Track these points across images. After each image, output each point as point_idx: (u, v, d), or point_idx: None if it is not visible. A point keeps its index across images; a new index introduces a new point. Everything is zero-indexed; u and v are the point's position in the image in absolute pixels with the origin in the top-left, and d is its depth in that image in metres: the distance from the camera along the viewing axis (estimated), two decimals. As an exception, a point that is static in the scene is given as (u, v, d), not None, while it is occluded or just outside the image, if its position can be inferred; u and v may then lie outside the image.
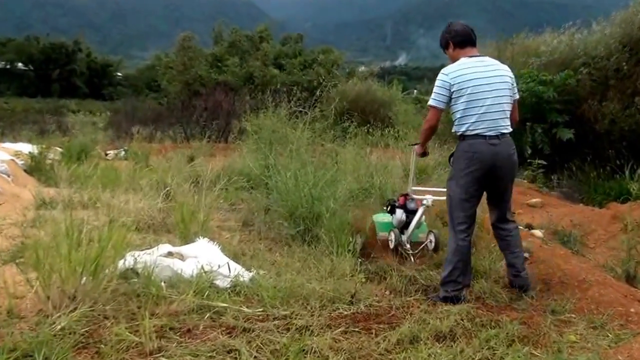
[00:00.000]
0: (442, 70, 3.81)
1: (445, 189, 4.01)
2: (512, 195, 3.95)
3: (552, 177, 9.17)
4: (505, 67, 3.91)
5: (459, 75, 3.71)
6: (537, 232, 5.56)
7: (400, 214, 4.60)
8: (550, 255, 4.40)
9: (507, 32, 13.05)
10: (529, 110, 9.42)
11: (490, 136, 3.65)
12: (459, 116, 3.72)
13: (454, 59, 3.86)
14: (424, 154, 4.33)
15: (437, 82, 3.78)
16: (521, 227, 5.82)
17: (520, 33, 12.32)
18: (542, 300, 3.66)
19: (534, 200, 7.40)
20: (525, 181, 8.91)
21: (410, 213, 4.57)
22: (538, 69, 10.06)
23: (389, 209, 4.80)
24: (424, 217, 4.61)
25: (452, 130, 3.86)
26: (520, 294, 3.75)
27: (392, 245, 4.57)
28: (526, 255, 4.37)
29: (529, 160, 8.93)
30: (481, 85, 3.69)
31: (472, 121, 3.66)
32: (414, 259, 4.47)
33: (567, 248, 5.01)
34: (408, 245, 4.53)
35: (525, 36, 12.10)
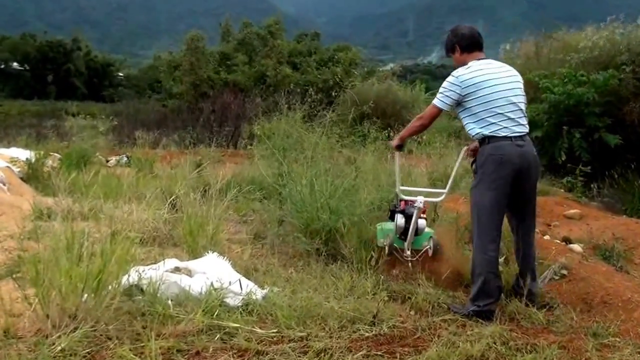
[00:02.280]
0: (453, 73, 3.93)
1: (435, 189, 4.10)
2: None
3: (592, 185, 9.07)
4: (514, 69, 4.05)
5: (471, 78, 3.84)
6: (576, 247, 5.51)
7: (400, 219, 4.62)
8: (591, 273, 4.37)
9: (540, 26, 12.98)
10: (566, 113, 9.36)
11: (515, 137, 3.78)
12: (477, 119, 3.83)
13: (460, 64, 4.00)
14: (400, 147, 4.42)
15: (446, 84, 3.91)
16: (557, 241, 5.79)
17: (558, 28, 12.24)
18: (582, 322, 3.62)
19: (572, 211, 7.33)
20: (562, 190, 8.83)
21: (410, 218, 4.60)
22: (576, 68, 9.98)
23: (389, 215, 4.82)
24: (424, 223, 4.64)
25: (473, 135, 3.93)
26: (550, 312, 3.75)
27: (387, 252, 4.59)
28: (564, 272, 4.34)
29: (569, 166, 8.84)
30: (497, 86, 3.84)
31: (494, 122, 3.78)
32: (411, 266, 4.50)
33: (609, 264, 4.97)
34: (408, 252, 4.55)
35: (565, 31, 12.02)
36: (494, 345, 3.12)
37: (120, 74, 58.76)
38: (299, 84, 18.85)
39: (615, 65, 9.77)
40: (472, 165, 4.05)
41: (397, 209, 4.71)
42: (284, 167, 6.44)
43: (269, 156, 7.48)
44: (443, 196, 4.78)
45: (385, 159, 7.60)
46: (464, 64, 3.97)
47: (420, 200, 4.53)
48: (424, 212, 4.67)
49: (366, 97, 15.61)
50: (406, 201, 4.70)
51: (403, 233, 4.60)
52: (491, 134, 3.79)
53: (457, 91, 3.86)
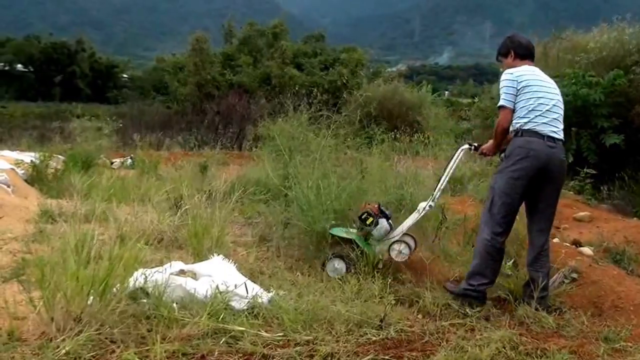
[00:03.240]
0: (507, 71, 4.15)
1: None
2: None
3: (602, 187, 9.02)
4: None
5: (523, 74, 4.07)
6: (587, 250, 5.48)
7: (384, 223, 4.70)
8: (602, 276, 4.34)
9: (548, 26, 12.96)
10: (574, 114, 9.32)
11: (548, 137, 3.95)
12: (523, 111, 4.00)
13: (509, 68, 4.20)
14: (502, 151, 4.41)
15: (503, 83, 4.11)
16: (567, 244, 5.76)
17: (567, 28, 12.20)
18: (593, 326, 3.60)
19: (582, 213, 7.29)
20: (571, 192, 8.80)
21: (389, 219, 4.73)
22: (585, 69, 9.94)
23: (369, 221, 4.74)
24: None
25: (511, 129, 4.08)
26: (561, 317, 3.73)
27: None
28: (574, 275, 4.32)
29: (576, 169, 8.82)
30: (544, 87, 4.08)
31: (533, 117, 3.97)
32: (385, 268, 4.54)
33: (620, 268, 4.93)
34: (387, 255, 4.60)
35: (573, 32, 11.98)
36: (503, 349, 3.11)
37: (125, 76, 58.96)
38: (305, 85, 18.86)
39: (625, 67, 9.73)
40: (500, 155, 4.21)
41: (373, 214, 4.73)
42: (290, 168, 6.43)
43: (275, 158, 7.48)
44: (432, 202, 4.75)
45: (392, 161, 7.59)
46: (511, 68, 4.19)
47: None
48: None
49: (372, 99, 15.64)
50: (377, 204, 4.82)
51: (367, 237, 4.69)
52: (527, 127, 3.96)
53: (515, 86, 4.05)
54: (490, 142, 4.37)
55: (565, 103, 9.30)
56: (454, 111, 20.26)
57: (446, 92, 34.87)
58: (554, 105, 4.06)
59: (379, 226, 4.69)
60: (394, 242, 4.65)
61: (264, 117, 9.75)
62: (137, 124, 17.57)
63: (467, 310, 3.80)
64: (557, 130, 4.02)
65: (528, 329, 3.55)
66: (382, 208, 4.82)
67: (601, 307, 3.89)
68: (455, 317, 3.71)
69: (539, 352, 3.12)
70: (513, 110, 4.06)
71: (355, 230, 4.77)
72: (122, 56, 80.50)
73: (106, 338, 2.93)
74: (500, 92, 4.12)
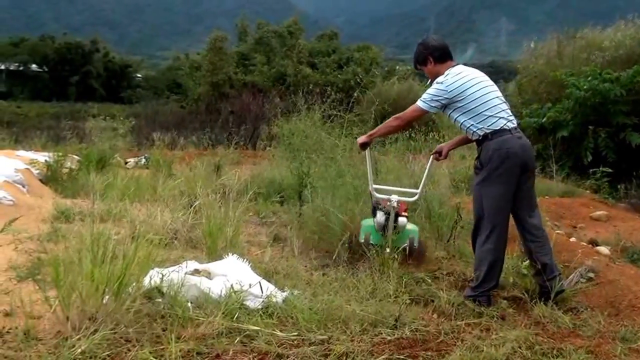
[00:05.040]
0: (438, 80, 4.09)
1: (409, 189, 4.70)
2: None
3: (619, 186, 8.95)
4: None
5: (456, 80, 4.01)
6: (603, 249, 5.45)
7: (380, 216, 4.64)
8: (619, 275, 4.32)
9: (567, 24, 12.86)
10: (592, 112, 9.25)
11: (514, 129, 3.96)
12: (473, 115, 3.99)
13: (433, 75, 4.19)
14: (365, 145, 4.49)
15: (433, 90, 4.08)
16: (584, 243, 5.73)
17: (582, 27, 12.12)
18: (610, 326, 3.58)
19: (599, 212, 7.25)
20: (588, 191, 8.74)
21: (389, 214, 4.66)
22: (602, 67, 9.87)
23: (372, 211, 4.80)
24: (405, 221, 4.67)
25: (472, 133, 4.06)
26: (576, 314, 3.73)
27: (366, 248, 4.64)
28: (591, 275, 4.30)
29: (591, 170, 8.76)
30: (482, 83, 4.06)
31: (491, 115, 3.96)
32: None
33: (638, 267, 4.90)
34: (388, 250, 4.53)
35: (589, 30, 11.89)
36: (519, 349, 3.09)
37: (139, 75, 59.23)
38: (319, 84, 18.86)
39: (643, 63, 9.64)
40: (475, 164, 4.13)
41: (379, 206, 4.71)
42: (304, 167, 6.45)
43: (289, 157, 7.50)
44: (417, 197, 4.82)
45: (407, 160, 7.57)
46: (437, 74, 4.16)
47: (394, 199, 4.56)
48: (405, 210, 4.72)
49: (386, 97, 15.57)
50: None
51: (383, 229, 4.64)
52: (493, 128, 3.93)
53: (445, 96, 4.02)
54: (373, 130, 4.44)
55: (583, 100, 9.30)
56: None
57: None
58: (498, 96, 4.07)
59: (375, 218, 4.68)
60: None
61: (277, 116, 9.76)
62: (151, 124, 17.68)
63: (483, 309, 3.79)
64: (513, 118, 4.06)
65: (544, 329, 3.53)
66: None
67: (618, 307, 3.87)
68: (470, 317, 3.69)
69: (555, 351, 3.10)
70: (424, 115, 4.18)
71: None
72: (136, 56, 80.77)
73: (121, 337, 2.95)
74: (426, 95, 4.11)
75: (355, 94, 9.29)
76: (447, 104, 4.06)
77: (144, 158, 12.17)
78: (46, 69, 55.67)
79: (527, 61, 13.22)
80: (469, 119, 4.02)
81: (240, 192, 5.80)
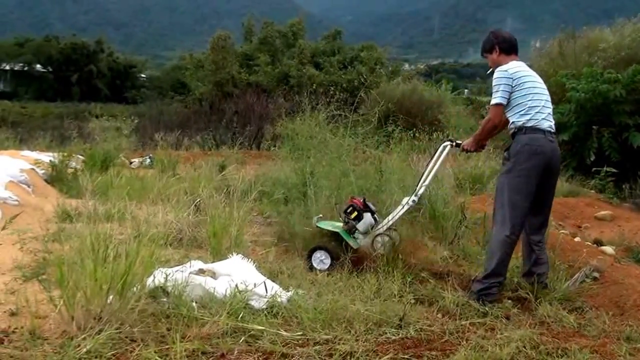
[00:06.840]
0: (499, 68, 4.16)
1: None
2: None
3: (624, 186, 8.94)
4: None
5: (517, 71, 4.10)
6: (608, 249, 5.44)
7: (369, 217, 4.73)
8: (624, 275, 4.31)
9: (572, 24, 12.83)
10: (595, 112, 9.23)
11: (548, 132, 4.05)
12: (520, 109, 4.06)
13: (494, 64, 4.28)
14: (480, 147, 4.54)
15: (497, 80, 4.11)
16: (588, 243, 5.72)
17: (585, 26, 12.09)
18: (615, 325, 3.58)
19: (603, 212, 7.24)
20: (592, 191, 8.72)
21: (374, 213, 4.77)
22: (603, 67, 9.84)
23: (353, 215, 4.79)
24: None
25: (510, 124, 4.14)
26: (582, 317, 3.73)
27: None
28: (596, 275, 4.30)
29: (594, 169, 8.74)
30: (535, 82, 4.15)
31: (535, 112, 4.03)
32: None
33: (642, 267, 4.89)
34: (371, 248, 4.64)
35: (591, 29, 11.87)
36: (523, 349, 3.09)
37: (143, 76, 59.35)
38: (323, 84, 18.85)
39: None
40: (504, 154, 4.18)
41: (357, 208, 4.77)
42: (308, 167, 6.45)
43: (294, 157, 7.50)
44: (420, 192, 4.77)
45: (411, 160, 7.57)
46: (499, 64, 4.22)
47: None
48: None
49: (391, 97, 15.56)
50: (361, 199, 4.87)
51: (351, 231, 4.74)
52: (529, 122, 4.02)
53: (509, 83, 4.08)
54: (471, 138, 4.44)
55: (585, 101, 9.29)
56: (474, 109, 20.11)
57: (466, 90, 34.65)
58: (546, 100, 4.15)
59: (363, 220, 4.74)
60: (377, 235, 4.70)
61: (282, 116, 9.76)
62: (155, 124, 17.70)
63: (487, 309, 3.79)
64: (553, 124, 4.13)
65: (549, 328, 3.53)
66: (368, 202, 4.86)
67: (623, 307, 3.86)
68: (475, 316, 3.69)
69: (559, 351, 3.10)
70: (505, 107, 4.14)
71: (340, 224, 4.85)
72: (142, 56, 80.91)
73: (126, 337, 2.96)
74: (495, 88, 4.14)
75: (360, 94, 9.30)
76: (513, 91, 4.10)
77: (149, 158, 12.20)
78: (51, 69, 55.79)
79: (533, 60, 13.21)
80: (514, 112, 4.10)
81: (245, 192, 5.80)
